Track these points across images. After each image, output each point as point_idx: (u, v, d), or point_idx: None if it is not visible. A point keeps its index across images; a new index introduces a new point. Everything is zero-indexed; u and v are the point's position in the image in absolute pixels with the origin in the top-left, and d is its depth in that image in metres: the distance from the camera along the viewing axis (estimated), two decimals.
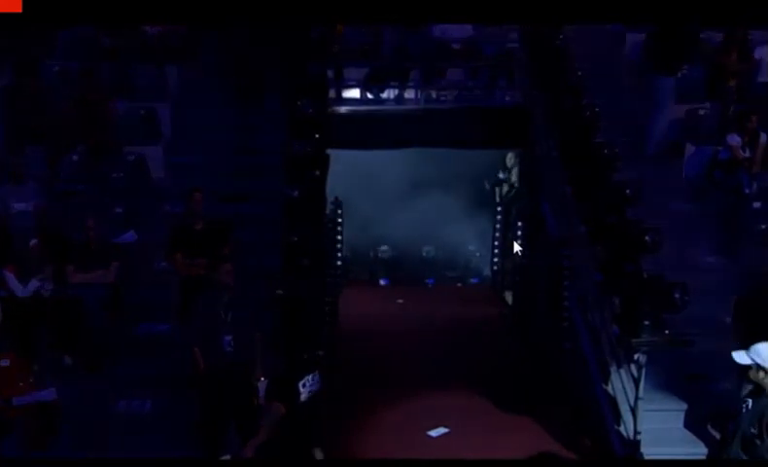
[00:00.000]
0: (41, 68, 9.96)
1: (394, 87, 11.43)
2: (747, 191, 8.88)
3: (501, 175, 14.77)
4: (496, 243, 15.06)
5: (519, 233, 12.91)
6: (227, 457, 5.99)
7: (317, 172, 8.73)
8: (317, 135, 8.84)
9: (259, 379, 6.67)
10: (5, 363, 6.78)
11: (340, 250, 12.89)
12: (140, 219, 8.93)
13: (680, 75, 10.10)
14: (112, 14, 6.62)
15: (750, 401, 5.44)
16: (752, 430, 5.37)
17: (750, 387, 5.76)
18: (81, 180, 9.09)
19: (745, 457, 5.38)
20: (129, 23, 10.24)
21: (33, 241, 7.86)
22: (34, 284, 7.57)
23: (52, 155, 9.20)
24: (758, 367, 5.40)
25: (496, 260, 15.08)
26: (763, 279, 7.14)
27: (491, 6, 6.52)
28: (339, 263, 12.81)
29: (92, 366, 7.54)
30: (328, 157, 9.35)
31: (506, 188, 14.74)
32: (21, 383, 6.74)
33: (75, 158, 9.26)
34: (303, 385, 6.25)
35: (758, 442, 5.33)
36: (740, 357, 5.50)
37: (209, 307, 6.84)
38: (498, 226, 14.95)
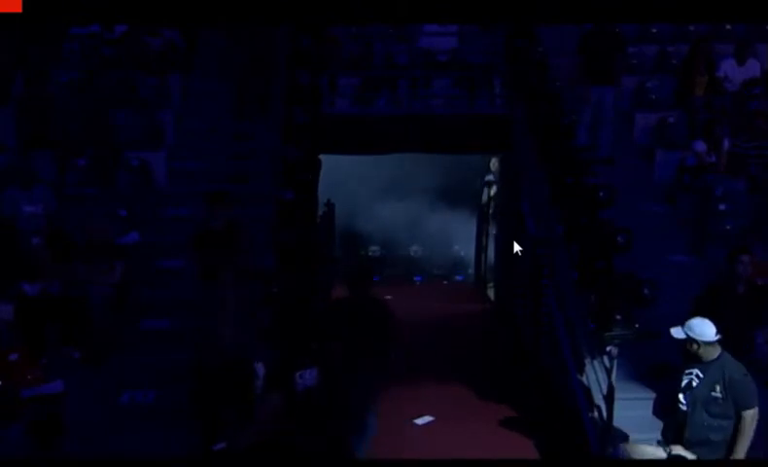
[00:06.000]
0: (49, 77, 9.98)
1: (384, 95, 11.48)
2: (713, 193, 8.99)
3: (486, 178, 14.85)
4: (479, 242, 15.12)
5: (501, 232, 12.98)
6: (222, 446, 6.02)
7: (309, 176, 8.79)
8: (309, 141, 8.89)
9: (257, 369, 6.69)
10: (14, 357, 6.83)
11: (333, 250, 12.92)
12: (143, 221, 8.96)
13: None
14: (111, 14, 6.54)
15: (696, 370, 5.93)
16: (713, 394, 5.89)
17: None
18: (87, 184, 9.13)
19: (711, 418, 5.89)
20: (128, 22, 10.19)
21: (42, 242, 7.89)
22: (43, 283, 7.60)
23: (60, 160, 9.25)
24: (691, 340, 5.95)
25: (479, 258, 15.14)
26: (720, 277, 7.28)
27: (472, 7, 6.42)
28: (332, 262, 12.84)
29: (98, 360, 7.58)
30: (319, 161, 9.41)
31: (489, 190, 14.81)
32: (30, 376, 6.78)
33: (81, 163, 9.31)
34: (300, 376, 6.28)
35: (721, 401, 5.86)
36: (676, 332, 6.04)
37: (213, 303, 6.92)
38: (481, 226, 15.00)
